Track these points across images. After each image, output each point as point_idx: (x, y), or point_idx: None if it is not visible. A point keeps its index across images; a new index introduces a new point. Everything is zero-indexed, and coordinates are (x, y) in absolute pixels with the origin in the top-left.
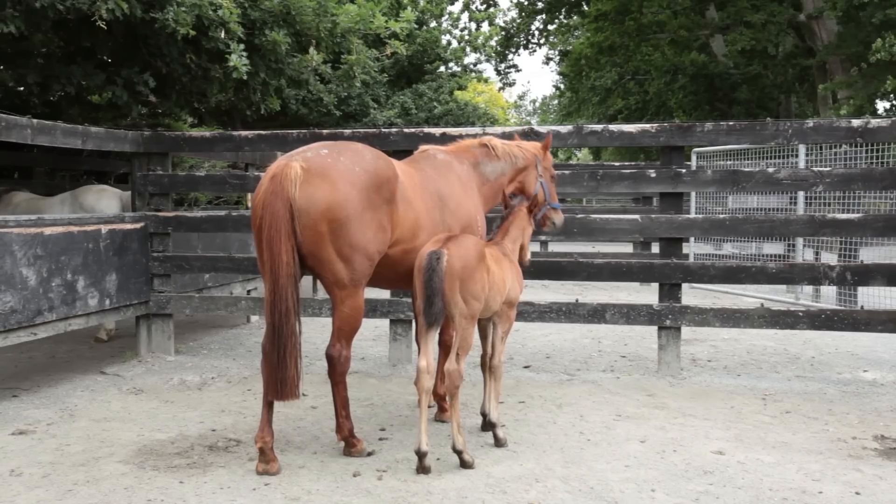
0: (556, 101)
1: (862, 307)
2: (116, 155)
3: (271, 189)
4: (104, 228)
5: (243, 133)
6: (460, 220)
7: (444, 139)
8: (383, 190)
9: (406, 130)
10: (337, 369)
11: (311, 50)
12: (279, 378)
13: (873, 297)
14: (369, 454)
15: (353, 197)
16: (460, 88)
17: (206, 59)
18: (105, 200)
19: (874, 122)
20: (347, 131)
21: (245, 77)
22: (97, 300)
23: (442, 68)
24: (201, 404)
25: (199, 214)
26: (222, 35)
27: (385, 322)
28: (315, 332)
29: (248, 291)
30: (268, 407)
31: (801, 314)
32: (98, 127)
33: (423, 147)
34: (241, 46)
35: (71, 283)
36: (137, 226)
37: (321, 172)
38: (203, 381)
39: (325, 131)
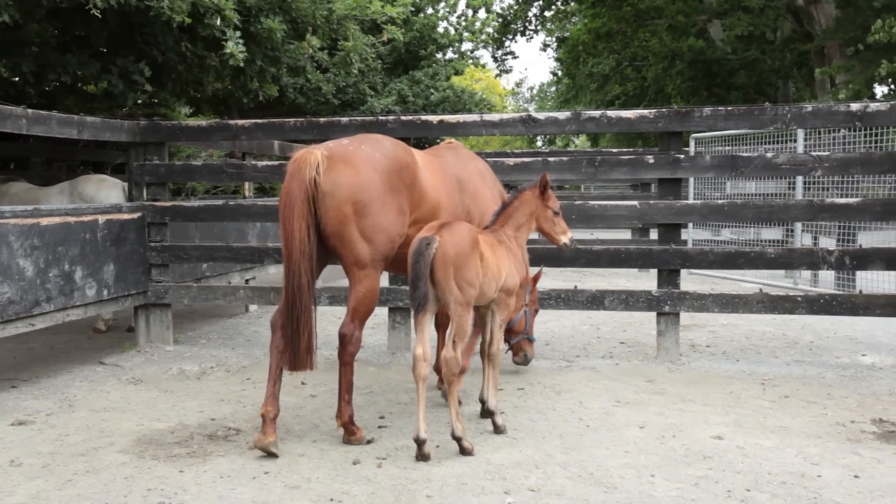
0: (553, 88)
1: (860, 291)
2: (113, 145)
3: (291, 172)
4: (101, 218)
5: (240, 122)
6: (479, 205)
7: (442, 126)
8: (403, 175)
9: (403, 118)
10: (347, 349)
11: (309, 36)
12: (293, 350)
13: (872, 281)
14: (368, 442)
15: (375, 180)
16: (457, 73)
17: (201, 46)
18: (105, 190)
19: (873, 105)
20: (344, 119)
21: (241, 65)
22: (95, 290)
23: (439, 55)
24: (200, 394)
25: (197, 204)
26: (218, 22)
27: (384, 310)
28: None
29: (247, 281)
30: (274, 380)
31: (799, 299)
32: (94, 117)
33: (449, 140)
34: (237, 34)
35: (68, 273)
36: (135, 216)
37: (344, 158)
38: (202, 371)
39: (321, 119)
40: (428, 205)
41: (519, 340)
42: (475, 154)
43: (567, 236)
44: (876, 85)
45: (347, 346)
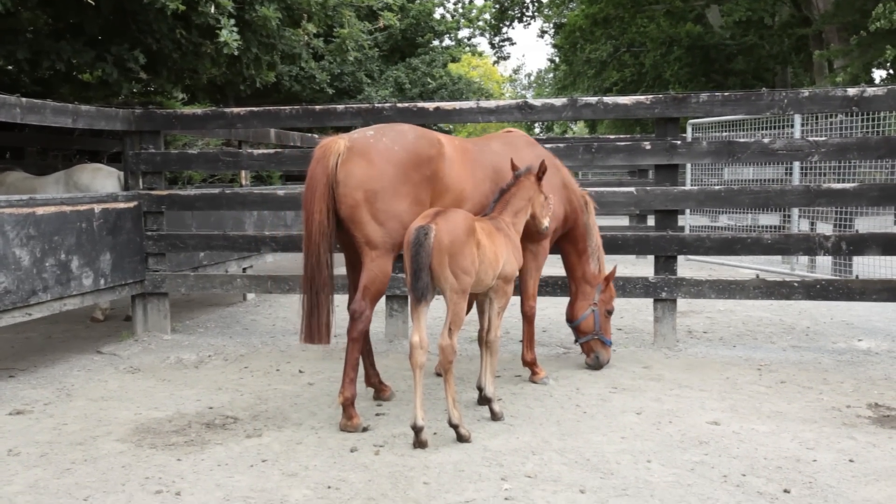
0: (551, 75)
1: (857, 277)
2: (108, 134)
3: (316, 158)
4: (97, 208)
5: (235, 110)
6: None
7: (438, 113)
8: (422, 167)
9: (399, 105)
10: (357, 326)
11: (304, 23)
12: (310, 324)
13: (868, 266)
14: (364, 429)
15: (388, 172)
16: (454, 61)
17: (196, 34)
18: (100, 179)
19: (870, 90)
20: (340, 107)
21: (236, 52)
22: (92, 280)
23: (435, 42)
24: (198, 382)
25: (193, 192)
26: (212, 10)
27: (381, 298)
28: None
29: (244, 269)
30: (352, 365)
31: (796, 285)
32: (89, 105)
33: (508, 128)
34: (232, 21)
35: (65, 262)
36: (131, 205)
37: (362, 151)
38: (200, 360)
39: (317, 107)
40: (451, 195)
41: (589, 341)
42: (532, 142)
43: (548, 220)
44: (874, 69)
45: (357, 322)
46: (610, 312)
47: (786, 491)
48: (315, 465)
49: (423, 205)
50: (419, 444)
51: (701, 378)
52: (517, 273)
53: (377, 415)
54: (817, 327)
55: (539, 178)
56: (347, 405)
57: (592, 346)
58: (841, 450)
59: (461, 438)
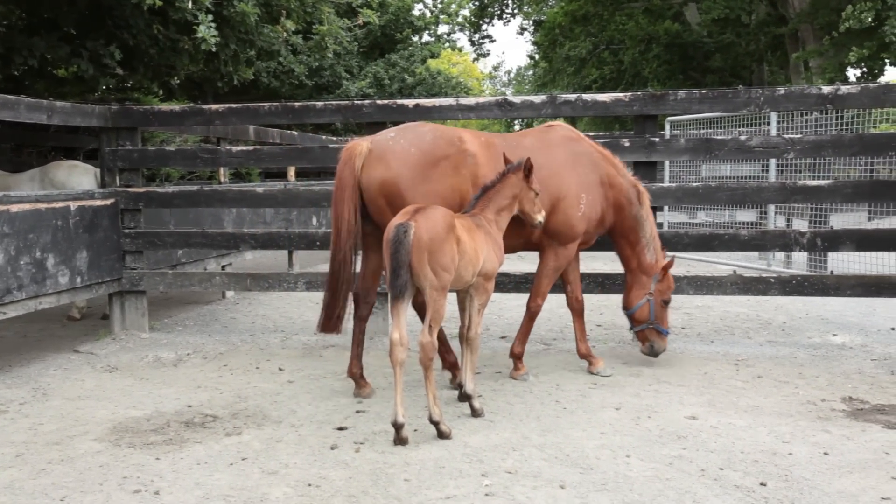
0: (530, 72)
1: (831, 272)
2: (84, 130)
3: (343, 160)
4: (73, 205)
5: (214, 107)
6: (549, 189)
7: (418, 110)
8: (441, 166)
9: (379, 102)
10: (365, 309)
11: (283, 20)
12: (329, 315)
13: (842, 262)
14: (341, 429)
15: (404, 174)
16: (433, 56)
17: (173, 30)
18: (76, 176)
19: (844, 88)
20: (319, 104)
21: (214, 49)
22: (68, 278)
23: (414, 38)
24: (177, 381)
25: (171, 190)
26: (189, 5)
27: None
28: (291, 307)
29: (223, 267)
30: (356, 344)
31: (772, 280)
32: (64, 101)
33: (550, 123)
34: (210, 17)
35: (40, 260)
36: (107, 202)
37: (380, 154)
38: (178, 358)
39: (296, 104)
40: (473, 192)
41: (643, 329)
42: (573, 137)
43: (541, 214)
44: (849, 68)
45: (366, 306)
46: (666, 302)
47: (762, 484)
48: (295, 463)
49: (446, 200)
50: (400, 441)
51: (679, 373)
52: (497, 270)
53: (357, 412)
54: (793, 322)
55: (526, 175)
56: (356, 378)
57: (647, 334)
58: (816, 443)
59: (442, 435)
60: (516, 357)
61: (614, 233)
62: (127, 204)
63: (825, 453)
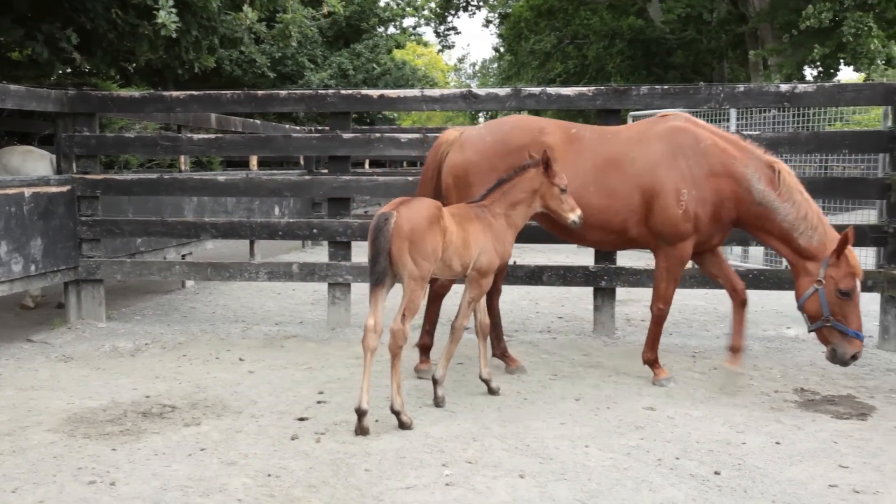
0: (495, 65)
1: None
2: (40, 115)
3: (434, 145)
4: (28, 192)
5: (175, 93)
6: (641, 186)
7: (382, 101)
8: (513, 155)
9: (343, 92)
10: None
11: (246, 7)
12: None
13: None
14: (302, 419)
15: (473, 160)
16: (398, 47)
17: (133, 14)
18: (31, 162)
19: (801, 87)
20: (283, 93)
21: (175, 35)
22: (21, 266)
23: (380, 29)
24: (134, 371)
25: (130, 177)
26: None
27: (324, 286)
28: (252, 297)
29: (183, 256)
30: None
31: None
32: (18, 85)
33: (663, 113)
34: (171, 2)
35: None
36: (64, 189)
37: (462, 142)
38: (136, 348)
39: (259, 92)
40: None
41: (821, 328)
42: (681, 128)
43: (576, 213)
44: (806, 67)
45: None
46: (845, 293)
47: (716, 473)
48: (255, 454)
49: None
50: (361, 430)
51: (638, 365)
52: (495, 266)
53: (319, 402)
54: (749, 316)
55: (546, 169)
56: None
57: (826, 335)
58: (769, 433)
59: (403, 425)
60: (651, 363)
61: (747, 226)
62: (84, 191)
63: (777, 442)
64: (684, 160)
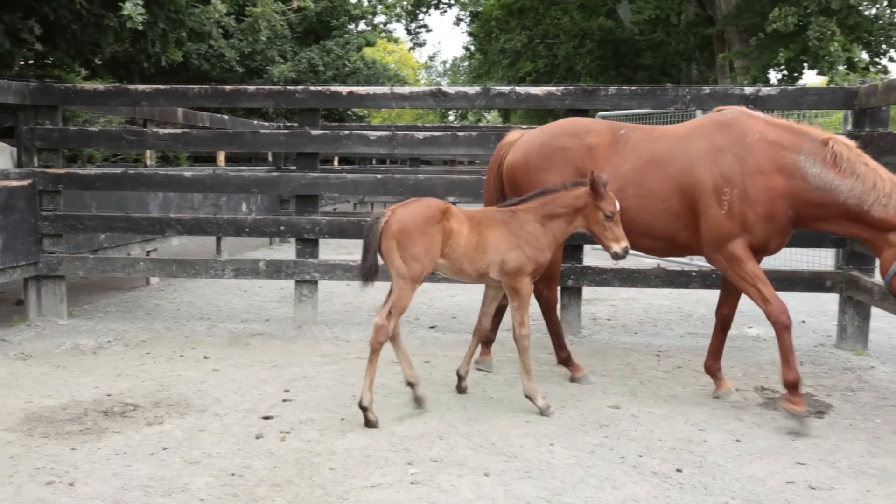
0: (466, 63)
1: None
2: (0, 107)
3: (498, 146)
4: None
5: (140, 87)
6: (682, 187)
7: (352, 98)
8: (556, 157)
9: (312, 88)
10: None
11: (214, 0)
12: None
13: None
14: (267, 418)
15: (520, 161)
16: (369, 45)
17: (98, 5)
18: None
19: (764, 90)
20: (251, 88)
21: (141, 27)
22: None
23: (351, 26)
24: (96, 369)
25: (93, 172)
26: None
27: (290, 283)
28: (218, 294)
29: (148, 252)
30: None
31: (694, 274)
32: None
33: (719, 108)
34: None
35: None
36: (24, 182)
37: (518, 144)
38: (98, 345)
39: (227, 87)
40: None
41: None
42: (729, 122)
43: (620, 245)
44: (771, 70)
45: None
46: None
47: (678, 470)
48: (219, 453)
49: None
50: (368, 422)
51: (603, 363)
52: (526, 270)
53: (284, 401)
54: (712, 315)
55: (594, 191)
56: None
57: None
58: (729, 430)
59: (368, 423)
60: (794, 385)
61: (811, 219)
62: (45, 185)
63: (737, 440)
64: (728, 157)
